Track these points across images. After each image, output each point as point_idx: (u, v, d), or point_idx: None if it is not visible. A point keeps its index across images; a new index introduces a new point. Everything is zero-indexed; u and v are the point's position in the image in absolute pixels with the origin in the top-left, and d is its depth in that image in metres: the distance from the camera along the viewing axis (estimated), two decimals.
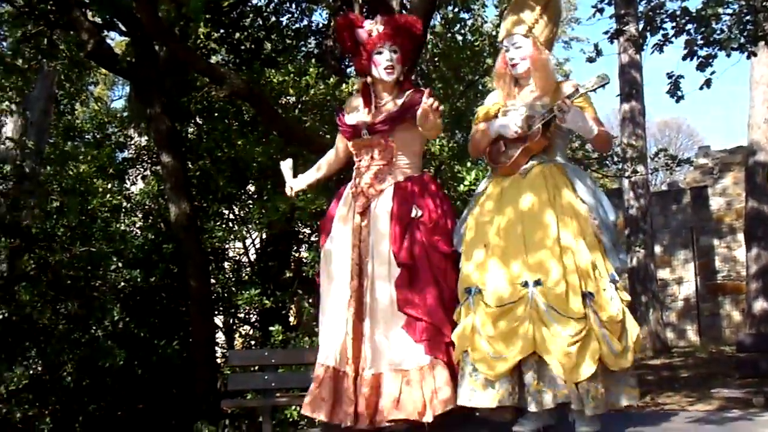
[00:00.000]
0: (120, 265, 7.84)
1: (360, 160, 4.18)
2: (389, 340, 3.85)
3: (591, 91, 3.74)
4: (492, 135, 3.96)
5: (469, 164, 7.23)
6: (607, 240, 3.77)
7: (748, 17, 8.58)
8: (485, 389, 3.59)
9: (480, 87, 10.06)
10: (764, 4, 8.85)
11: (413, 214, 3.95)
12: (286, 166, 4.62)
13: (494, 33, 9.40)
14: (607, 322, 3.57)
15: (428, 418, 3.71)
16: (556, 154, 3.93)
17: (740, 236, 14.79)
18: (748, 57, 9.10)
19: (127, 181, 9.00)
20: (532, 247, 3.63)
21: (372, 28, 4.14)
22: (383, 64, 4.09)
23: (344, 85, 7.91)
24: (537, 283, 3.55)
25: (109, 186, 8.30)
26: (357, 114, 4.23)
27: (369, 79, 4.21)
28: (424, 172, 4.25)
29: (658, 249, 15.89)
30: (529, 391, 3.53)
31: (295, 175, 4.59)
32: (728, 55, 8.53)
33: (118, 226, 8.16)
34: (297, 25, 10.03)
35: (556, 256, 3.59)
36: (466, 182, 7.00)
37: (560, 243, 3.62)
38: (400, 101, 4.12)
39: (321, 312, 4.15)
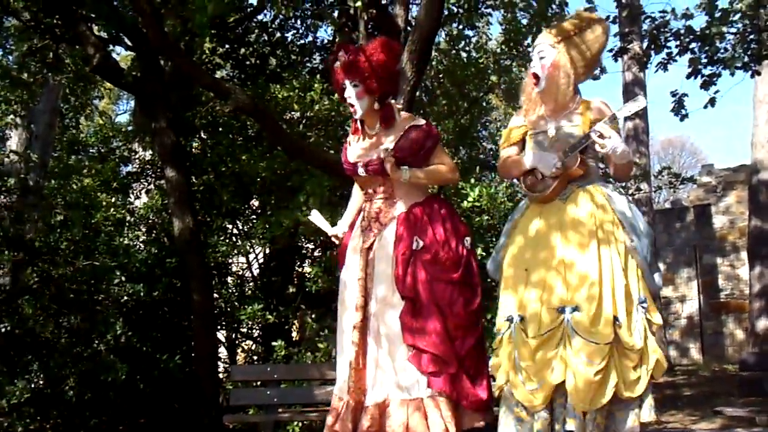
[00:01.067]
0: (123, 279, 7.84)
1: (365, 193, 4.17)
2: (396, 369, 3.82)
3: (630, 116, 3.69)
4: (527, 167, 3.88)
5: (473, 180, 7.23)
6: (643, 261, 3.70)
7: (752, 36, 8.61)
8: (525, 420, 3.57)
9: (484, 104, 10.08)
10: (767, 23, 8.88)
11: (414, 246, 3.91)
12: (317, 218, 4.44)
13: (498, 50, 9.45)
14: (628, 350, 3.53)
15: None
16: (593, 177, 3.87)
17: (743, 255, 14.77)
18: (752, 76, 9.14)
19: (131, 195, 9.01)
20: (568, 272, 3.59)
21: (337, 63, 4.12)
22: (347, 102, 4.08)
23: None
24: (575, 309, 3.52)
25: (113, 200, 8.31)
26: (353, 148, 4.20)
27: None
28: (433, 195, 4.19)
29: (661, 267, 15.86)
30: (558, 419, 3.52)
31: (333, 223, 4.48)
32: (732, 74, 8.57)
33: (121, 240, 8.17)
34: (302, 41, 10.07)
35: (592, 281, 3.54)
36: (470, 198, 7.00)
37: (598, 268, 3.57)
38: (390, 137, 4.06)
39: (337, 342, 4.13)
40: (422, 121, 4.13)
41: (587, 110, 3.84)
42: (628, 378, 3.52)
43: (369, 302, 3.98)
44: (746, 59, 8.61)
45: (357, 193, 4.38)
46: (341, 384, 3.98)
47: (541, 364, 3.53)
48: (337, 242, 4.33)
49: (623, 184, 11.55)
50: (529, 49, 4.02)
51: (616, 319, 3.52)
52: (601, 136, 3.62)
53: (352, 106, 4.06)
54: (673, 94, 8.92)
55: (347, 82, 4.04)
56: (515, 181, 3.95)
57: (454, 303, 3.86)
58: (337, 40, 9.47)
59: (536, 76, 3.86)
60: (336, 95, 7.81)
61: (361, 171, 4.07)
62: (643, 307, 3.62)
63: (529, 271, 3.70)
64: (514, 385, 3.60)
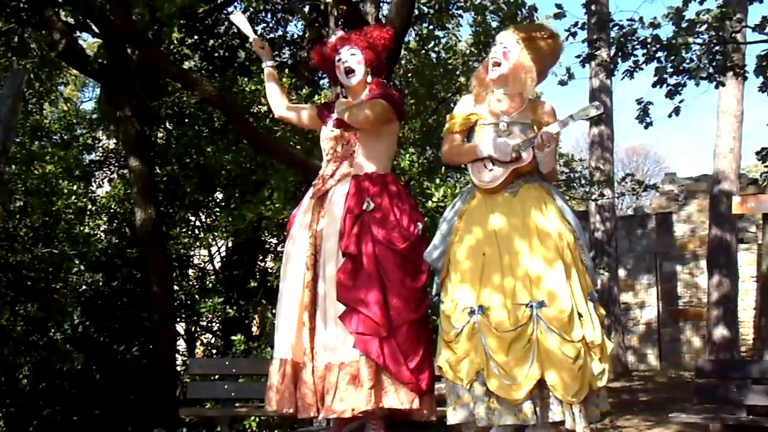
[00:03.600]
0: (82, 268, 7.74)
1: (327, 159, 4.20)
2: (335, 335, 3.86)
3: (586, 119, 3.77)
4: (483, 155, 3.87)
5: (437, 180, 7.25)
6: (588, 259, 3.81)
7: (717, 48, 8.72)
8: (505, 411, 3.56)
9: (452, 105, 10.09)
10: (733, 35, 9.00)
11: (365, 207, 3.94)
12: (240, 20, 4.53)
13: (467, 52, 9.47)
14: (591, 343, 3.60)
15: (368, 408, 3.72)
16: (536, 174, 3.91)
17: (703, 263, 14.96)
18: (717, 87, 9.24)
19: (94, 184, 8.91)
20: (531, 266, 3.62)
21: (330, 40, 4.27)
22: (342, 66, 4.16)
23: (317, 97, 7.92)
24: (541, 304, 3.55)
25: (75, 188, 8.19)
26: (333, 107, 4.30)
27: (343, 91, 4.32)
28: (388, 174, 4.22)
29: (622, 273, 16.02)
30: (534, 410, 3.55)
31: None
32: (697, 84, 8.68)
33: (82, 228, 8.07)
34: (272, 35, 10.02)
35: (557, 277, 3.60)
36: (435, 198, 7.01)
37: (561, 265, 3.63)
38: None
39: (278, 311, 4.16)
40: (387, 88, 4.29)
41: (537, 109, 3.94)
42: (594, 370, 3.60)
43: (317, 264, 4.00)
44: (711, 70, 8.72)
45: (296, 108, 4.48)
46: (283, 347, 3.99)
47: (516, 358, 3.54)
48: (256, 47, 4.40)
49: (586, 190, 11.69)
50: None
51: (580, 315, 3.59)
52: (548, 141, 3.69)
53: (351, 71, 4.16)
54: (639, 102, 9.01)
55: (345, 49, 4.17)
56: (472, 172, 3.94)
57: (395, 272, 3.88)
58: (306, 35, 9.45)
59: (498, 63, 3.90)
60: (304, 89, 7.84)
61: (332, 126, 4.17)
62: (593, 301, 3.72)
63: (489, 269, 3.70)
64: (488, 378, 3.58)
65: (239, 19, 4.53)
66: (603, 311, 3.82)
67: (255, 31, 4.70)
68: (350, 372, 3.78)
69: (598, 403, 3.68)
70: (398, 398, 3.79)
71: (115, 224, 8.62)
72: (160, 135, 8.71)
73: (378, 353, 3.75)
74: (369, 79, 4.19)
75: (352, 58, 4.14)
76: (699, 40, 8.64)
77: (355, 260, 3.86)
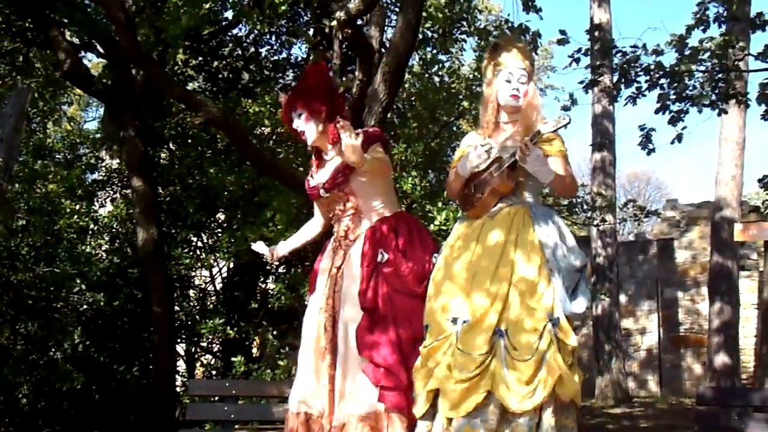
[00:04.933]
0: (83, 287, 7.74)
1: (332, 216, 4.21)
2: (355, 387, 3.82)
3: (553, 131, 3.74)
4: (462, 174, 3.90)
5: (440, 204, 7.26)
6: (559, 284, 3.70)
7: (720, 75, 8.76)
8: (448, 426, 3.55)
9: (454, 129, 10.14)
10: (736, 63, 9.04)
11: (379, 259, 3.93)
12: (260, 247, 4.52)
13: (471, 76, 9.52)
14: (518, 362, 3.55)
15: None
16: (525, 196, 3.91)
17: (704, 290, 14.94)
18: (719, 114, 9.28)
19: (96, 203, 8.91)
20: (495, 282, 3.62)
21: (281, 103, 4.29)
22: (300, 131, 4.15)
23: None
24: (499, 324, 3.55)
25: (77, 207, 8.20)
26: (315, 177, 4.26)
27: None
28: (401, 211, 4.22)
29: (623, 298, 15.99)
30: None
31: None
32: (700, 111, 8.71)
33: (83, 248, 8.07)
34: (276, 57, 10.07)
35: (517, 293, 3.59)
36: (437, 222, 7.01)
37: (519, 281, 3.62)
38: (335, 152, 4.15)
39: (299, 363, 4.11)
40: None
41: (528, 132, 3.87)
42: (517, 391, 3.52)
43: (337, 324, 3.96)
44: (714, 97, 8.75)
45: (307, 225, 4.45)
46: (299, 399, 3.95)
47: (471, 379, 3.52)
48: (270, 260, 4.45)
49: (588, 215, 11.69)
50: (500, 67, 4.01)
51: (541, 336, 3.53)
52: (522, 151, 3.65)
53: (302, 134, 4.14)
54: (641, 128, 9.04)
55: (294, 115, 4.15)
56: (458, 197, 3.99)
57: (413, 316, 3.86)
58: (311, 58, 9.49)
59: (516, 97, 3.91)
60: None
61: (323, 192, 4.13)
62: (554, 325, 3.59)
63: (455, 280, 3.73)
64: (444, 395, 3.56)
65: (259, 248, 4.53)
66: (573, 341, 3.67)
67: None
68: (370, 424, 3.74)
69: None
70: None
71: (116, 244, 8.62)
72: (163, 155, 8.74)
73: (404, 403, 3.75)
74: (321, 128, 4.13)
75: (299, 120, 4.13)
76: (702, 68, 8.68)
77: (371, 313, 3.85)
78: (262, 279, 8.80)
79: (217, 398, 6.19)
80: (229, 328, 7.66)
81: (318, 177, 4.21)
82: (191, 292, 8.86)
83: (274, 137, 8.01)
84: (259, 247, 4.49)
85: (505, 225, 3.77)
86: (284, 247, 4.49)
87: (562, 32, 8.67)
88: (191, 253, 8.38)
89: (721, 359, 13.08)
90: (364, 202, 4.09)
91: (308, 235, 4.47)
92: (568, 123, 3.63)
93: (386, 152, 4.16)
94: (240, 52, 9.66)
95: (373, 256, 3.94)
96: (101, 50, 7.81)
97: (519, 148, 3.68)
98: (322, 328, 3.98)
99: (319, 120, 4.11)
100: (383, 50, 6.89)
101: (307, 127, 4.12)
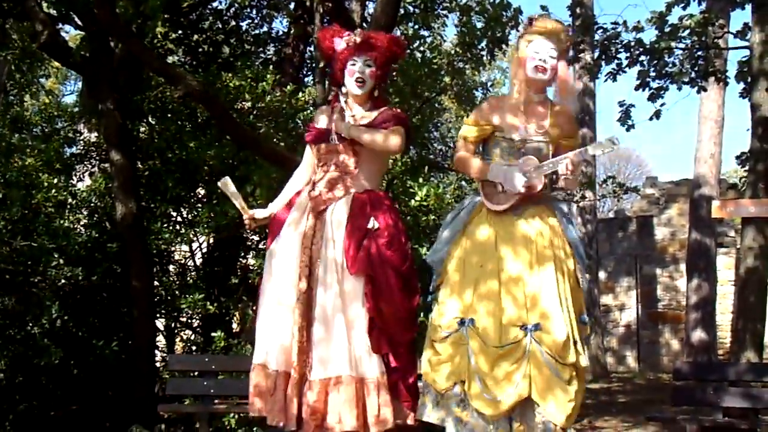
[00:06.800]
0: (61, 262, 7.67)
1: (321, 166, 4.11)
2: (349, 345, 3.79)
3: (601, 154, 3.80)
4: (490, 179, 3.84)
5: (420, 180, 7.25)
6: (585, 283, 3.80)
7: (699, 53, 8.79)
8: (477, 425, 3.56)
9: (436, 105, 10.11)
10: (715, 41, 9.07)
11: (370, 226, 3.90)
12: (228, 187, 4.26)
13: (453, 52, 9.47)
14: (579, 369, 3.63)
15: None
16: (547, 195, 3.93)
17: (682, 267, 15.07)
18: (699, 92, 9.33)
19: (74, 177, 8.83)
20: (529, 286, 3.62)
21: (350, 38, 4.09)
22: (354, 75, 4.05)
23: (300, 94, 7.88)
24: (536, 327, 3.54)
25: (55, 181, 8.11)
26: (325, 119, 4.18)
27: (343, 90, 4.16)
28: (382, 191, 4.21)
29: (602, 275, 16.10)
30: None
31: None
32: (679, 89, 8.75)
33: (61, 222, 7.99)
34: (256, 31, 9.99)
35: (553, 300, 3.58)
36: (418, 197, 7.01)
37: (556, 287, 3.62)
38: (373, 115, 4.08)
39: (261, 312, 4.06)
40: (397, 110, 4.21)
41: (556, 120, 3.88)
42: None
43: (312, 280, 3.92)
44: (693, 75, 8.79)
45: (298, 177, 4.32)
46: (272, 356, 3.92)
47: (502, 376, 3.53)
48: (247, 224, 4.25)
49: (569, 192, 11.73)
50: (510, 41, 3.97)
51: (575, 341, 3.58)
52: (574, 173, 3.69)
53: (362, 81, 4.05)
54: (621, 104, 9.07)
55: (360, 58, 4.05)
56: (481, 189, 3.91)
57: (397, 294, 3.86)
58: (291, 32, 9.43)
59: (544, 69, 3.83)
60: (288, 86, 7.82)
61: (332, 138, 4.04)
62: (584, 325, 3.74)
63: (484, 283, 3.68)
64: (469, 389, 3.57)
65: (226, 186, 4.25)
66: (587, 332, 3.83)
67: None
68: (352, 387, 3.74)
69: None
70: (397, 414, 3.80)
71: (95, 218, 8.55)
72: (142, 129, 8.65)
73: (394, 374, 3.82)
74: (375, 93, 4.15)
75: (367, 69, 4.05)
76: (681, 45, 8.72)
77: (372, 280, 3.83)
78: (242, 254, 8.77)
79: (196, 373, 6.20)
80: (209, 303, 7.64)
81: (330, 122, 4.12)
82: (171, 267, 8.82)
83: (254, 112, 7.95)
84: (226, 186, 4.24)
85: (536, 227, 3.76)
86: (268, 210, 4.28)
87: (544, 8, 8.66)
88: (171, 228, 8.34)
89: (698, 335, 13.22)
90: (359, 168, 4.03)
91: (299, 185, 4.29)
92: (616, 146, 3.66)
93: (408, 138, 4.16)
94: (220, 26, 9.57)
95: (362, 223, 3.91)
96: (79, 22, 7.71)
97: (568, 165, 3.67)
98: (296, 283, 3.93)
99: (376, 83, 4.12)
100: (365, 25, 6.85)
101: (369, 81, 4.07)
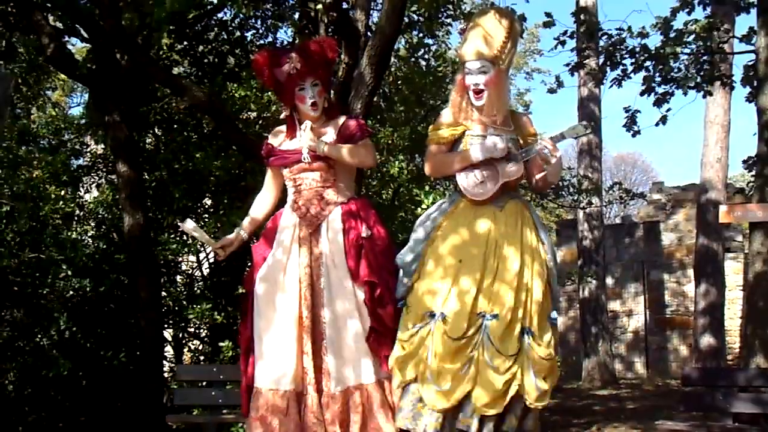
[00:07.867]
0: (69, 273, 7.70)
1: (300, 184, 4.14)
2: (355, 356, 3.88)
3: (575, 137, 3.86)
4: (476, 160, 3.87)
5: (427, 187, 7.26)
6: (554, 281, 3.86)
7: (705, 58, 8.79)
8: (427, 417, 3.61)
9: (440, 113, 10.10)
10: (720, 45, 9.07)
11: (364, 234, 3.97)
12: (192, 228, 4.31)
13: (457, 60, 9.50)
14: (538, 362, 3.64)
15: None
16: (518, 190, 4.01)
17: (690, 272, 15.03)
18: (704, 96, 9.32)
19: (81, 189, 8.86)
20: (496, 279, 3.68)
21: (290, 66, 4.08)
22: (307, 102, 4.09)
23: None
24: (495, 317, 3.60)
25: (63, 193, 8.15)
26: (288, 143, 4.21)
27: (296, 112, 4.21)
28: (361, 197, 4.35)
29: (609, 281, 16.07)
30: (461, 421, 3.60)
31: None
32: (685, 94, 8.74)
33: (69, 234, 8.03)
34: (261, 41, 10.00)
35: (513, 290, 3.64)
36: (424, 205, 7.01)
37: (521, 279, 3.68)
38: (331, 130, 4.15)
39: (260, 329, 4.06)
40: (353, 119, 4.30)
41: (519, 121, 4.02)
42: (540, 387, 3.62)
43: (316, 296, 3.97)
44: (699, 80, 8.78)
45: (263, 200, 4.37)
46: (280, 376, 3.93)
47: (456, 368, 3.59)
48: (219, 255, 4.35)
49: (574, 198, 11.73)
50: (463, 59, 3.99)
51: (529, 331, 3.64)
52: (552, 154, 3.76)
53: (315, 105, 4.10)
54: (626, 110, 9.06)
55: (306, 83, 4.08)
56: (461, 181, 3.93)
57: (394, 297, 3.97)
58: (296, 41, 9.44)
59: (479, 92, 3.89)
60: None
61: (305, 158, 4.05)
62: (552, 324, 3.78)
63: (464, 274, 3.73)
64: (422, 381, 3.64)
65: (190, 228, 4.32)
66: (556, 334, 3.86)
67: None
68: (376, 394, 3.84)
69: (530, 420, 3.69)
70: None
71: (102, 230, 8.58)
72: (148, 140, 8.68)
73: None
74: (325, 104, 4.19)
75: (316, 90, 4.10)
76: (687, 50, 8.71)
77: (372, 286, 3.90)
78: (249, 264, 8.77)
79: (205, 383, 6.21)
80: (216, 313, 7.65)
81: (295, 144, 4.16)
82: (178, 278, 8.84)
83: (260, 122, 7.97)
84: (190, 227, 4.31)
85: (514, 222, 3.83)
86: (237, 239, 4.38)
87: (548, 15, 8.68)
88: (178, 239, 8.35)
89: (706, 340, 13.17)
90: (339, 177, 4.12)
91: (265, 208, 4.36)
92: (589, 132, 3.77)
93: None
94: (225, 36, 9.58)
95: (359, 231, 3.98)
96: (85, 35, 7.73)
97: (543, 146, 3.76)
98: (301, 306, 3.96)
99: (326, 94, 4.19)
100: (369, 34, 6.86)
101: (319, 99, 4.12)
